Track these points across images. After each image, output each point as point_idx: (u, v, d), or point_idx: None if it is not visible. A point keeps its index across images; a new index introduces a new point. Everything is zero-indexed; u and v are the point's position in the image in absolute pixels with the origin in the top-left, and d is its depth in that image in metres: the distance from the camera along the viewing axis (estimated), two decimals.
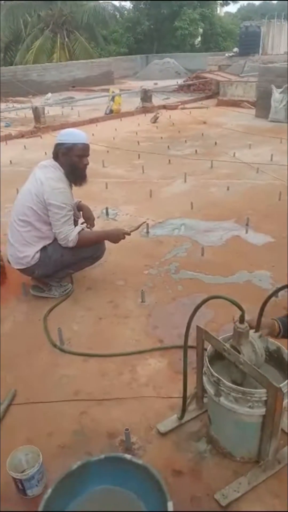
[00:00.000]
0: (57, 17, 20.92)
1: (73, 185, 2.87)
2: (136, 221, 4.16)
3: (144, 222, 3.22)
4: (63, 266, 2.88)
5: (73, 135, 2.76)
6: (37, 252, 2.77)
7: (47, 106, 10.77)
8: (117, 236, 2.95)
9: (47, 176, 2.70)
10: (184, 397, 1.87)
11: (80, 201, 3.14)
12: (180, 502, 1.56)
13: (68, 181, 2.79)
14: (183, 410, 1.89)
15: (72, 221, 2.80)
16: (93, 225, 3.15)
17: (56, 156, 2.77)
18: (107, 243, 3.03)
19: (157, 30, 25.86)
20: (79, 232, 2.76)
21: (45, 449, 1.74)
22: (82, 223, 3.08)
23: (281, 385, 1.50)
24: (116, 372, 2.26)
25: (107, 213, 4.39)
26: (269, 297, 1.98)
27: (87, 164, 2.82)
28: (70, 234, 2.73)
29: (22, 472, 1.61)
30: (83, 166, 2.79)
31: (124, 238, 2.97)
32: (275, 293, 2.08)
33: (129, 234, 2.98)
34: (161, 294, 2.96)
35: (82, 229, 2.84)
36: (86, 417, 1.99)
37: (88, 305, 2.87)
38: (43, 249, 2.78)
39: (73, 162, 2.73)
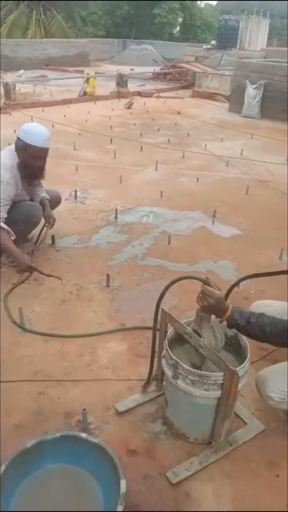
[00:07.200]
0: None
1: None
2: (105, 206, 4.16)
3: (55, 276, 2.76)
4: None
5: (31, 135, 2.70)
6: None
7: (19, 83, 10.43)
8: (22, 264, 2.70)
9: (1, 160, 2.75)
10: (151, 367, 1.92)
11: (46, 198, 3.12)
12: (133, 480, 1.60)
13: (20, 173, 2.79)
14: (148, 379, 1.95)
15: (6, 211, 2.74)
16: (51, 226, 3.11)
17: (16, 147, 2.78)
18: None
19: (136, 16, 25.44)
20: (4, 229, 2.68)
21: (1, 428, 1.72)
22: (44, 224, 3.10)
23: (237, 368, 1.56)
24: (77, 353, 2.26)
25: (75, 196, 4.33)
26: (233, 286, 2.04)
27: (42, 165, 2.81)
28: None
29: None
30: (36, 167, 2.79)
31: (28, 271, 2.74)
32: (238, 282, 2.14)
33: (34, 270, 2.71)
34: (126, 280, 2.97)
35: (9, 232, 2.71)
36: (45, 397, 1.98)
37: (51, 287, 2.84)
38: None
39: (26, 160, 2.74)
